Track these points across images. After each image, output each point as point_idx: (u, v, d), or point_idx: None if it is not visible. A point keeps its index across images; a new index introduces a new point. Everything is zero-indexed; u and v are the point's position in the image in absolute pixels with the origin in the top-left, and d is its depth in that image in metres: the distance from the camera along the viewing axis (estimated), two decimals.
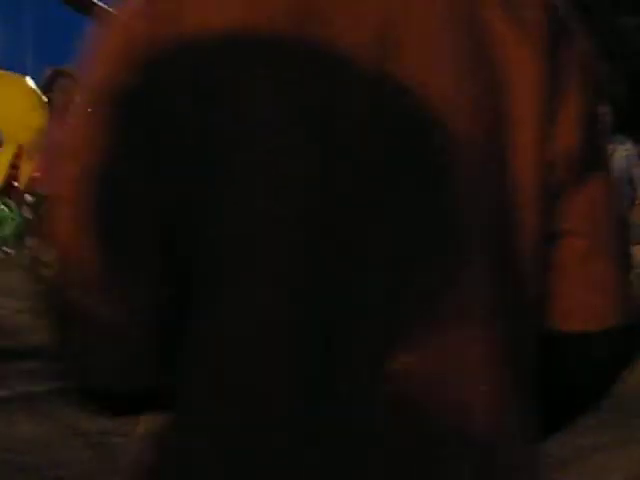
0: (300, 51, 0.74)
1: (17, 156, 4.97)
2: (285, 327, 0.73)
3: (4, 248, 6.54)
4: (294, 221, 0.73)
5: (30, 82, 5.23)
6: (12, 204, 5.64)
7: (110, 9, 0.81)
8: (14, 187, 5.14)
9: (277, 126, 0.73)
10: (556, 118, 0.78)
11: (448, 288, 0.76)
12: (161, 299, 0.75)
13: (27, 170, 5.10)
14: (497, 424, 0.78)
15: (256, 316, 0.74)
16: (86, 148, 0.75)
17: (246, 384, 0.74)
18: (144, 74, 0.74)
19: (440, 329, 0.76)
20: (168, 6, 0.75)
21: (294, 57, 0.74)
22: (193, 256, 0.74)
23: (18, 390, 4.75)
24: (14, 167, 4.92)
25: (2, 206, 5.55)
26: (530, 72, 0.77)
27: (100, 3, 6.54)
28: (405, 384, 0.74)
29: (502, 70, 0.77)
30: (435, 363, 0.75)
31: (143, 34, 0.75)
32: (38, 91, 5.29)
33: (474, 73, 0.76)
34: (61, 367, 0.80)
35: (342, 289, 0.73)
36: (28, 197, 5.54)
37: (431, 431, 0.75)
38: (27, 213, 5.75)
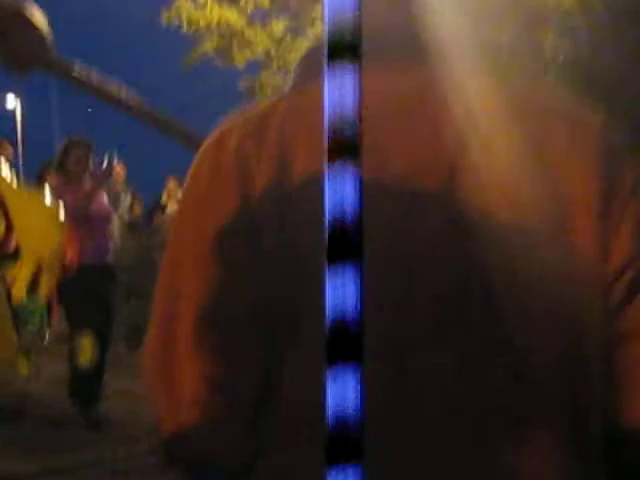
0: (384, 188, 0.81)
1: (37, 270, 5.07)
2: None
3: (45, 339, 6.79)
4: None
5: (47, 198, 5.34)
6: (39, 301, 5.78)
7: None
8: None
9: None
10: (611, 237, 0.83)
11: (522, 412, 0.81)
12: (258, 390, 0.83)
13: (46, 282, 5.19)
14: None
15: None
16: (202, 269, 0.84)
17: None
18: (248, 208, 0.83)
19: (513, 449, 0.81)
20: (276, 152, 0.83)
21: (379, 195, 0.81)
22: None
23: (50, 463, 4.74)
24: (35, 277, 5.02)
25: (29, 305, 5.72)
26: (586, 189, 0.83)
27: (81, 77, 6.70)
28: None
29: (562, 182, 0.83)
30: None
31: (255, 173, 0.83)
32: (55, 206, 5.40)
33: (536, 179, 0.82)
34: (167, 446, 0.88)
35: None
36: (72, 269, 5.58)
37: None
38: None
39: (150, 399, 0.86)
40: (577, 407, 0.83)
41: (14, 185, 5.50)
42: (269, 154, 0.83)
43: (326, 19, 0.51)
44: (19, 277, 4.90)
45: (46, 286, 5.02)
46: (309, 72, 0.89)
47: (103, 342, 5.69)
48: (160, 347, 0.86)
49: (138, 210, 9.14)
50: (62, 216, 5.39)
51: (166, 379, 0.85)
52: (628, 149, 0.89)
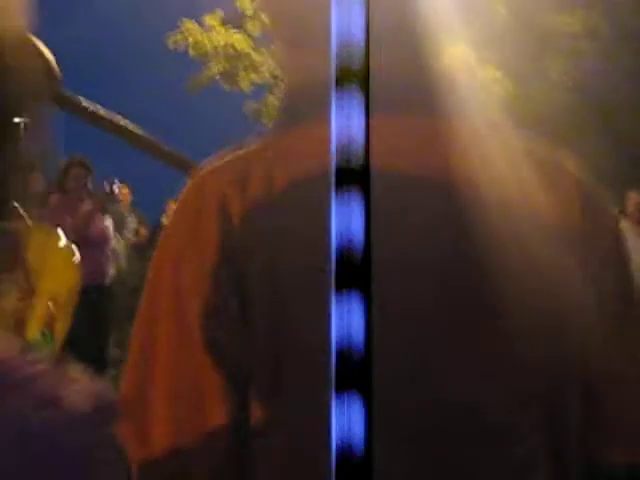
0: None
1: (51, 310, 5.11)
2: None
3: None
4: None
5: (62, 237, 5.38)
6: (48, 334, 5.83)
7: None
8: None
9: None
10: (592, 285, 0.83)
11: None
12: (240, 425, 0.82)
13: (62, 324, 5.23)
14: None
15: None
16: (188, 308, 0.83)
17: None
18: (230, 246, 0.82)
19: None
20: (260, 192, 0.82)
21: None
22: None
23: None
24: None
25: (39, 336, 5.75)
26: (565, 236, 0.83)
27: (89, 106, 6.73)
28: None
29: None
30: None
31: (237, 214, 0.82)
32: (70, 246, 5.44)
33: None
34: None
35: None
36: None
37: None
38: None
39: (122, 440, 0.86)
40: (557, 438, 0.82)
41: (29, 224, 5.48)
42: (254, 200, 0.82)
43: (333, 47, 0.51)
44: (33, 317, 4.91)
45: (61, 328, 5.04)
46: (291, 116, 0.89)
47: (100, 364, 5.69)
48: (134, 392, 0.86)
49: (144, 233, 9.16)
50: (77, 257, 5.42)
51: (137, 427, 0.84)
52: (604, 195, 0.91)
